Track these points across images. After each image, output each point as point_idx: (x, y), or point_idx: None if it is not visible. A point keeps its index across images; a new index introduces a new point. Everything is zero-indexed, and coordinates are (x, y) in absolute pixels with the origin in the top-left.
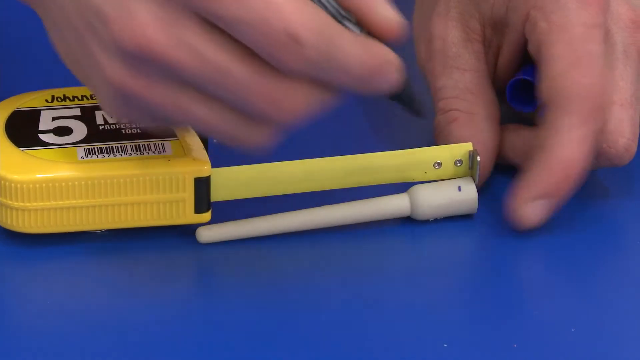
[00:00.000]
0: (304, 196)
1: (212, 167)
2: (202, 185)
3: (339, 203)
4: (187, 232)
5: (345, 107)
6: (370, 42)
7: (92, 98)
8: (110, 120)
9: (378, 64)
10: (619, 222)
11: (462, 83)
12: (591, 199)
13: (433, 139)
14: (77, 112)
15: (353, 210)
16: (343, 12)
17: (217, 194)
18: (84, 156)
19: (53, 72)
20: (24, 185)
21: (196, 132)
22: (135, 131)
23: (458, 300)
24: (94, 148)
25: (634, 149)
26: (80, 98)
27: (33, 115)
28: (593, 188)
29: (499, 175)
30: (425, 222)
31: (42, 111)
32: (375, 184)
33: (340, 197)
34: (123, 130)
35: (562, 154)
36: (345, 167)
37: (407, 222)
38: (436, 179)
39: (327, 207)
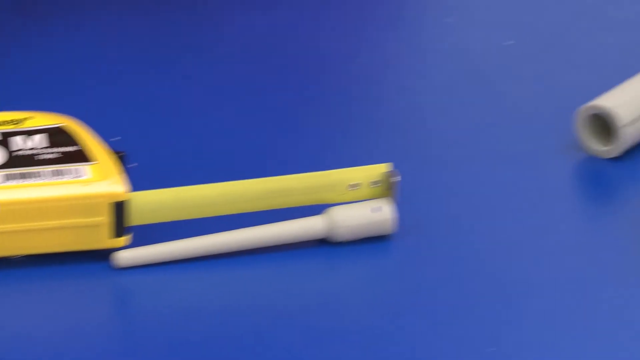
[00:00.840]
0: (224, 219)
1: (131, 191)
2: (119, 210)
3: (256, 226)
4: (105, 256)
5: (262, 129)
6: None
7: (13, 123)
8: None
9: None
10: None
11: None
12: (519, 211)
13: (352, 160)
14: None
15: (269, 233)
16: None
17: (135, 218)
18: (1, 182)
19: None
20: None
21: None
22: (54, 156)
23: (375, 322)
24: (11, 174)
25: None
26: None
27: None
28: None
29: (415, 195)
30: (342, 244)
31: None
32: (292, 205)
33: (259, 220)
34: (40, 156)
35: None
36: (262, 189)
37: (324, 244)
38: (353, 200)
39: (243, 230)
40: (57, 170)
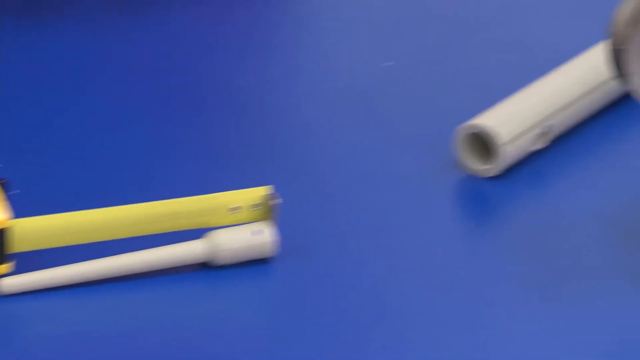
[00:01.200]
0: (108, 244)
1: (14, 217)
2: (0, 237)
3: (139, 250)
4: None
5: (143, 154)
6: None
7: None
8: None
9: None
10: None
11: None
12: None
13: (232, 183)
14: None
15: (150, 257)
16: None
17: (19, 244)
18: None
19: None
20: None
21: None
22: None
23: (257, 345)
24: None
25: None
26: None
27: None
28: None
29: (297, 217)
30: (224, 267)
31: None
32: (174, 229)
33: (143, 244)
34: None
35: None
36: (144, 214)
37: (206, 268)
38: (234, 223)
39: (126, 255)
40: None
